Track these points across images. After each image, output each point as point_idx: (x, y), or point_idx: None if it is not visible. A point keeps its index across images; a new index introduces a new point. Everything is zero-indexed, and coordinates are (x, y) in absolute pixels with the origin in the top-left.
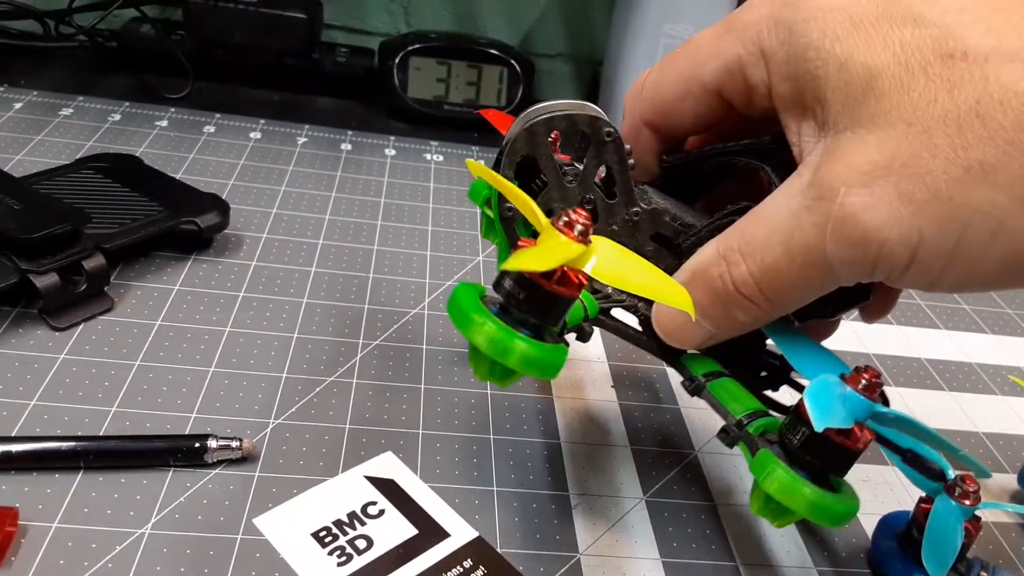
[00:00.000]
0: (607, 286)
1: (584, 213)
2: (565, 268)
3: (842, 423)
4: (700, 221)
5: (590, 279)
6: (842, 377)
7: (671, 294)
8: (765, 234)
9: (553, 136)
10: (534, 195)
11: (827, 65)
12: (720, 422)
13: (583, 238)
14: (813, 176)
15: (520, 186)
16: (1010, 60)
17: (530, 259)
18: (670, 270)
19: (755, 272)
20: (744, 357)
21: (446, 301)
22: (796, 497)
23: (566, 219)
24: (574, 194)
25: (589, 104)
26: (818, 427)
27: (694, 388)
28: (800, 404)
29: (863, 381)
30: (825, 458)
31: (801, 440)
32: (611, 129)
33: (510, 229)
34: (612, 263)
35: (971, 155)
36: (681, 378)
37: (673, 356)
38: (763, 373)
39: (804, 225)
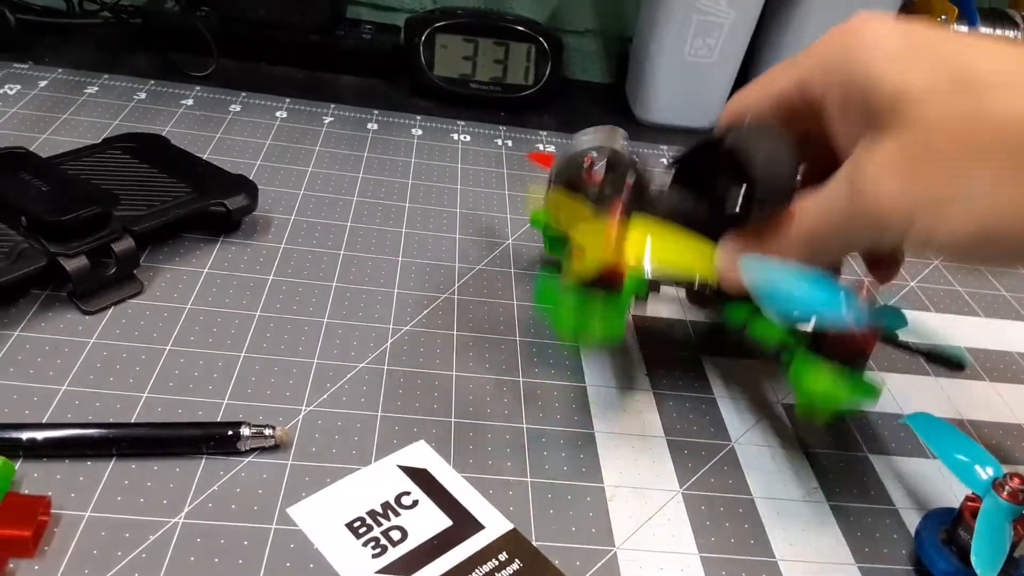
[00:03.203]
0: None
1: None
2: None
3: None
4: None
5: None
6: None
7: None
8: (813, 204)
9: (588, 161)
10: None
11: (871, 83)
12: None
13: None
14: (849, 167)
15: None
16: (1005, 87)
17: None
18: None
19: (802, 230)
20: None
21: (478, 286)
22: (835, 391)
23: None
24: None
25: (617, 131)
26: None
27: (739, 330)
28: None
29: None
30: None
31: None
32: (629, 156)
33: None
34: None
35: (959, 160)
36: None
37: (719, 305)
38: None
39: (837, 200)
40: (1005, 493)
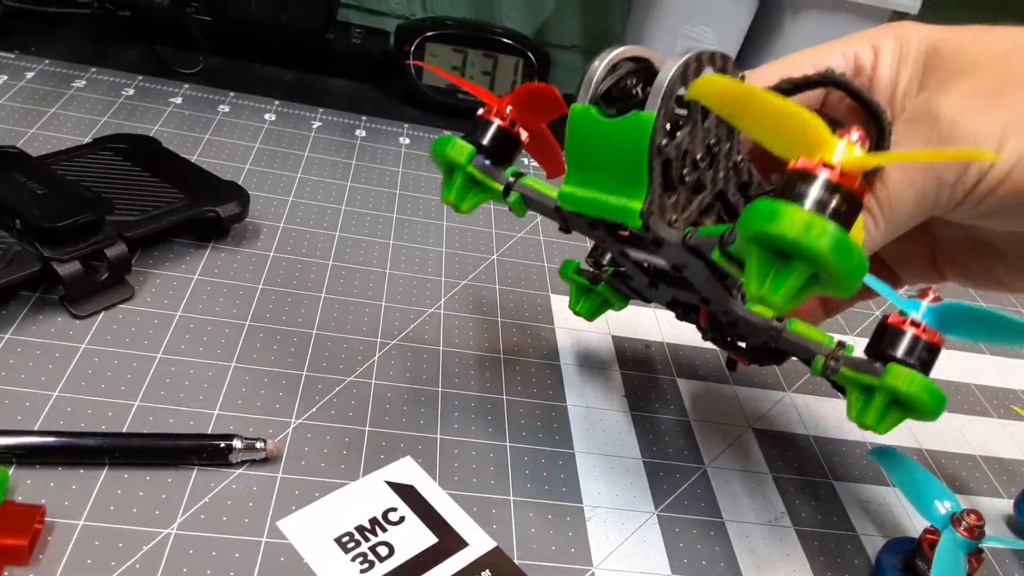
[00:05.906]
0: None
1: None
2: None
3: None
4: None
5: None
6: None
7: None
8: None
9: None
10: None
11: (955, 52)
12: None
13: None
14: (918, 112)
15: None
16: None
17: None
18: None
19: (876, 193)
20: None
21: (464, 301)
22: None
23: None
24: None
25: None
26: None
27: (776, 331)
28: (882, 328)
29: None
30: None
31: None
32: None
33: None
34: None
35: None
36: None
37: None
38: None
39: (914, 143)
40: (962, 528)
